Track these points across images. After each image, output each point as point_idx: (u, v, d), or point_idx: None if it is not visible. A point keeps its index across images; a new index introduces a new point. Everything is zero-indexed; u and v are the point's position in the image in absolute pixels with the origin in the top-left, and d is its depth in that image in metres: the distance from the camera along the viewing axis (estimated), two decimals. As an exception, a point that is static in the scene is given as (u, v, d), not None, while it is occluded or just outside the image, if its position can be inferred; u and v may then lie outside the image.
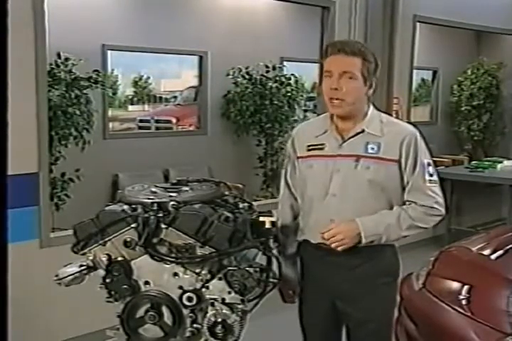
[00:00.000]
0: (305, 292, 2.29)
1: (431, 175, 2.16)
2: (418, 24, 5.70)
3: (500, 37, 7.84)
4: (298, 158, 2.25)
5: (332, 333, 2.31)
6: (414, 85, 7.33)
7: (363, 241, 2.10)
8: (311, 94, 7.74)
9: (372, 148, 2.13)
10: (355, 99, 2.12)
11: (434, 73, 8.72)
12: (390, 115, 2.59)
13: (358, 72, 2.09)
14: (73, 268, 1.94)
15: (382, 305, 2.23)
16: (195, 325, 1.88)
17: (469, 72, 8.45)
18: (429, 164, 2.17)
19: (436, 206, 2.15)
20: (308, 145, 2.21)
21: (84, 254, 1.95)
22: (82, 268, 1.94)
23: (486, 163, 6.46)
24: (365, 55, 2.11)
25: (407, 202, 2.16)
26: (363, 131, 2.15)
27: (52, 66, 4.85)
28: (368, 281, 2.17)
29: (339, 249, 2.10)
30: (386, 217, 2.13)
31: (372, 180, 2.11)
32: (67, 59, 4.96)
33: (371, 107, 2.21)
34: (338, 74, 2.08)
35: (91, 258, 1.93)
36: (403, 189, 2.16)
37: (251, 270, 1.84)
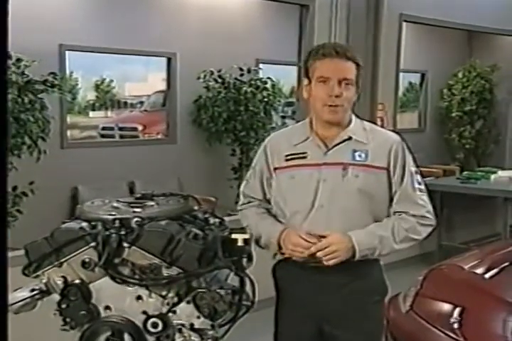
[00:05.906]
0: (284, 318, 2.28)
1: (419, 184, 2.22)
2: (404, 23, 5.78)
3: (493, 37, 7.97)
4: (275, 169, 2.25)
5: None
6: (401, 90, 7.44)
7: (357, 255, 2.11)
8: (290, 99, 7.78)
9: (360, 156, 2.17)
10: (350, 106, 2.18)
11: (423, 76, 8.84)
12: (373, 123, 2.63)
13: (355, 78, 2.15)
14: (24, 293, 1.91)
15: (372, 324, 2.25)
16: (161, 354, 1.86)
17: (460, 75, 8.58)
18: (416, 172, 2.23)
19: (427, 215, 2.20)
20: (287, 155, 2.22)
21: (37, 277, 1.92)
22: (34, 292, 1.91)
23: (479, 173, 6.52)
24: (358, 59, 2.17)
25: (397, 213, 2.19)
26: (350, 138, 2.18)
27: (4, 68, 4.81)
28: (357, 300, 2.19)
29: (331, 262, 2.10)
30: (379, 230, 2.15)
31: (362, 188, 2.14)
32: (18, 60, 4.90)
33: (353, 114, 2.25)
34: (337, 80, 2.11)
35: (44, 281, 1.90)
36: (390, 200, 2.19)
37: (222, 292, 1.83)
